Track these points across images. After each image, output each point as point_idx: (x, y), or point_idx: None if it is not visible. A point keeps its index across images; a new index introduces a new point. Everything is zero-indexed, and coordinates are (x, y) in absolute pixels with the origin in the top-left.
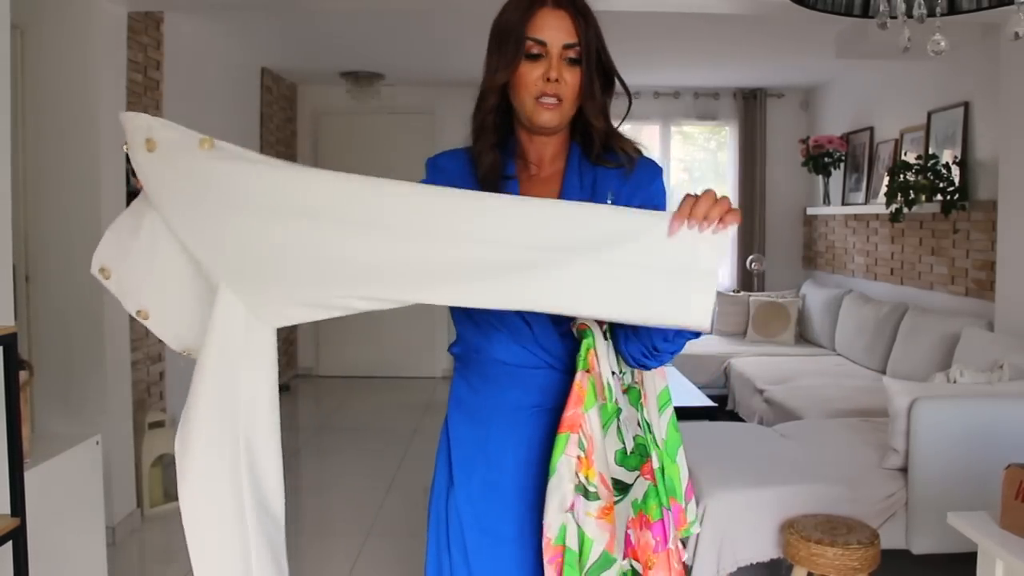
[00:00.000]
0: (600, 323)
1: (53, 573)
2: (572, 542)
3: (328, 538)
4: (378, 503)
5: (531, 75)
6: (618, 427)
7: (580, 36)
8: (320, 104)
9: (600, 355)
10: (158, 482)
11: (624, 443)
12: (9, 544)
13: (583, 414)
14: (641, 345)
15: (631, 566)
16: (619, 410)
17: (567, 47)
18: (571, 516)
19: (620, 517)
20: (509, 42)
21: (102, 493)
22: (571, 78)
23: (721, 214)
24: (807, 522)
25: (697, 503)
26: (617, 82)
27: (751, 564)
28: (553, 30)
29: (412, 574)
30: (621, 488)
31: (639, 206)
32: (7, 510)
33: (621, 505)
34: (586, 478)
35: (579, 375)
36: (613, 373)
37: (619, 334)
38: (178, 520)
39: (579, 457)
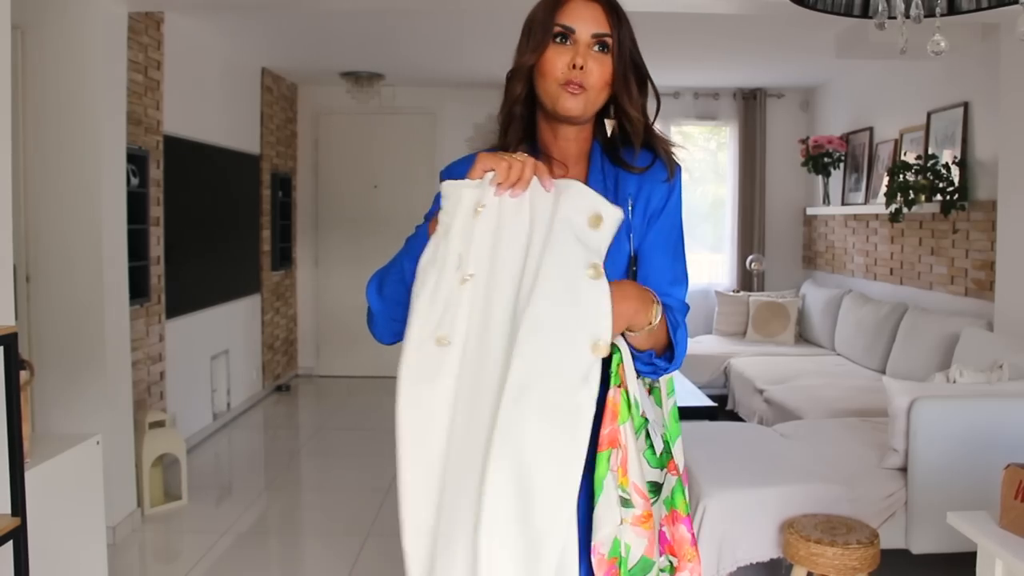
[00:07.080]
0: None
1: (53, 573)
2: (621, 550)
3: (328, 538)
4: (378, 503)
5: (558, 61)
6: (647, 433)
7: (612, 28)
8: (320, 104)
9: (628, 369)
10: (158, 482)
11: (654, 447)
12: (9, 544)
13: (619, 428)
14: (639, 363)
15: (668, 561)
16: (646, 421)
17: (596, 36)
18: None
19: (655, 517)
20: (537, 29)
21: (102, 493)
22: (597, 68)
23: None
24: (807, 522)
25: (697, 503)
26: (649, 86)
27: (751, 564)
28: (583, 20)
29: None
30: (655, 489)
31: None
32: (7, 510)
33: (655, 506)
34: (621, 487)
35: (612, 391)
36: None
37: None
38: (178, 520)
39: (615, 469)
